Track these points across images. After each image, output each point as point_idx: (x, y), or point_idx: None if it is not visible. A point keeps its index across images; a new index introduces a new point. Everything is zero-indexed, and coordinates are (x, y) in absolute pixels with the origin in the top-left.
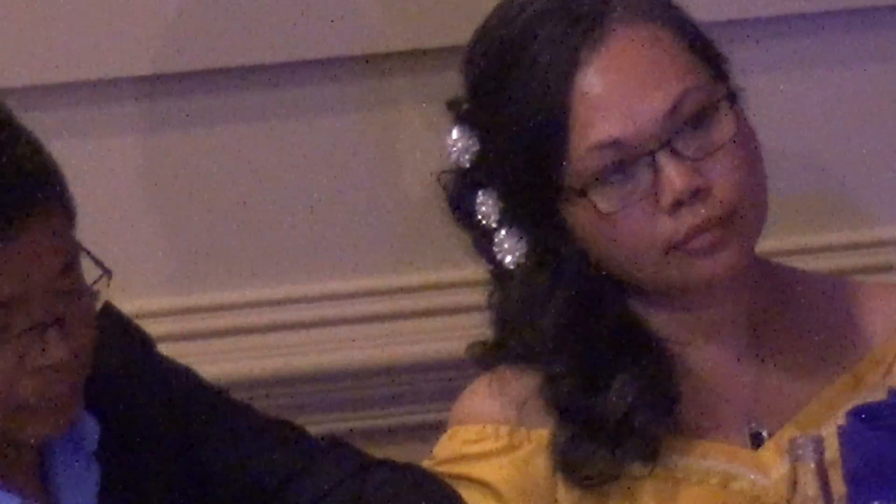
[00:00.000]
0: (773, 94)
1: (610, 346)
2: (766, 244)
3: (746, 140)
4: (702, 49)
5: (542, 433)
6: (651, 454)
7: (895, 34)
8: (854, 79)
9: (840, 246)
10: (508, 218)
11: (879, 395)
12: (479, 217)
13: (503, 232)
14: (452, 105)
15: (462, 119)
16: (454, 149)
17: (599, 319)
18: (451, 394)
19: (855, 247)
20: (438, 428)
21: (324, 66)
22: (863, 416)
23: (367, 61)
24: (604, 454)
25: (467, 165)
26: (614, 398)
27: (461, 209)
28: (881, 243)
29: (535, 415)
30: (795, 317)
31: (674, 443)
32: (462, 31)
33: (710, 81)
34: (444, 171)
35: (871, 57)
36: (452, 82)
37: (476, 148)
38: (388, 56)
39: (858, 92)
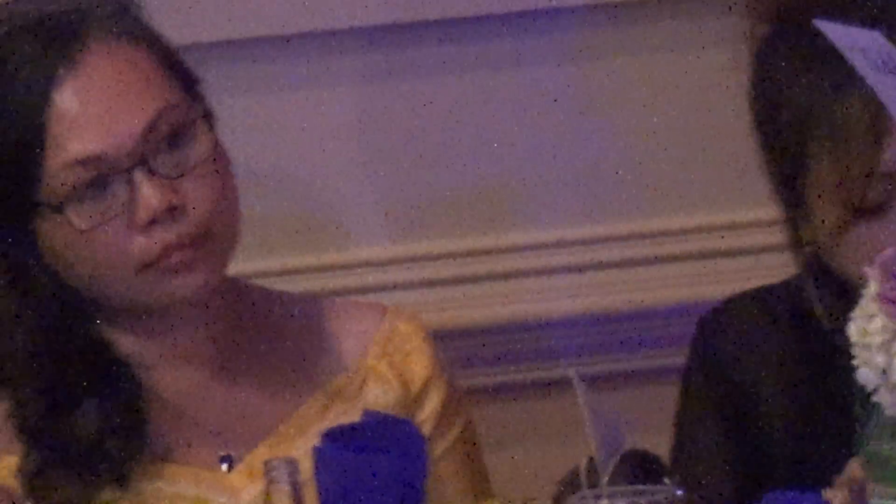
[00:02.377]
0: (250, 116)
1: (78, 370)
2: (243, 266)
3: (221, 161)
4: (177, 69)
5: (12, 460)
6: (120, 479)
7: (383, 55)
8: (323, 100)
9: (318, 267)
10: None
11: (352, 415)
12: None
13: None
14: None
15: None
16: None
17: (68, 343)
18: None
19: (331, 268)
20: None
21: None
22: (337, 437)
23: None
24: (73, 480)
25: None
26: (82, 423)
27: None
28: (352, 265)
29: (6, 441)
30: (268, 338)
31: (144, 467)
32: None
33: (187, 101)
34: None
35: (351, 79)
36: None
37: None
38: None
39: (334, 113)
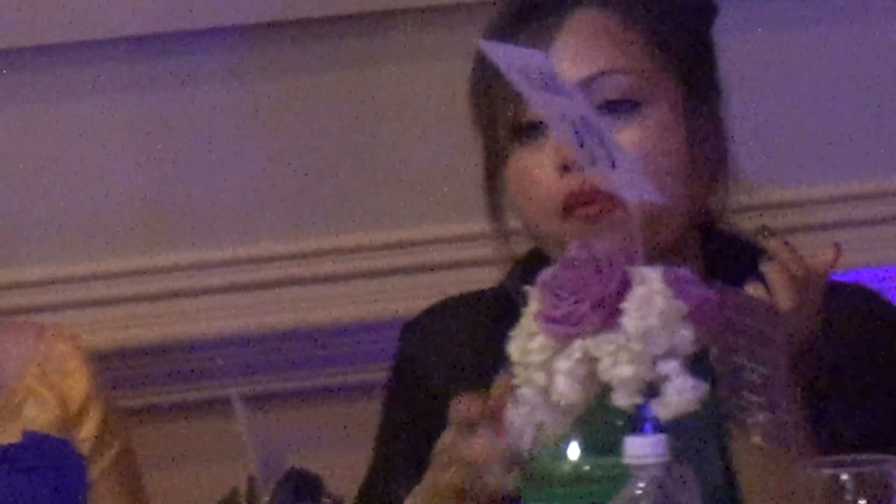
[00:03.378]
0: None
1: None
2: None
3: None
4: None
5: None
6: None
7: (124, 67)
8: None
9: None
10: None
11: (11, 435)
12: None
13: None
14: None
15: None
16: None
17: None
18: None
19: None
20: None
21: None
22: None
23: None
24: None
25: None
26: None
27: None
28: (20, 284)
29: None
30: None
31: None
32: None
33: None
34: None
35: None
36: None
37: None
38: None
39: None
